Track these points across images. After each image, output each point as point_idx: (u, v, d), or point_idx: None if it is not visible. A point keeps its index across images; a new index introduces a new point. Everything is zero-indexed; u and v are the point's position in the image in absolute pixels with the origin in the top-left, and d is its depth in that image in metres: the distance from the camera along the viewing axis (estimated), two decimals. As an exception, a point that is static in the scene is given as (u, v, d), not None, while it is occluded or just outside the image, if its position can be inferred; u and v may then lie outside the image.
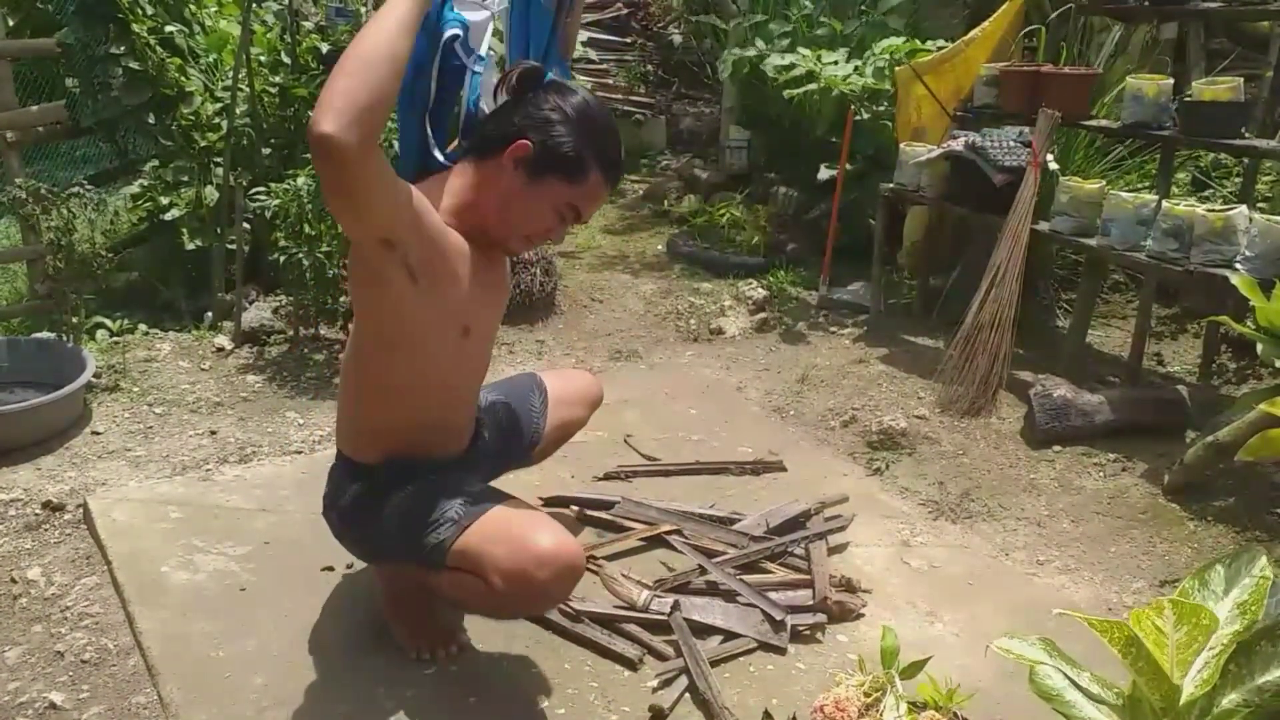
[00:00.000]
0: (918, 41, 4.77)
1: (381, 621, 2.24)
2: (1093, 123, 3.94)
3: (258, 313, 4.08)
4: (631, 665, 2.15)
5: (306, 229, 3.68)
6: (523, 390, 2.46)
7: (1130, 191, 3.69)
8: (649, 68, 8.00)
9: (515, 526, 1.90)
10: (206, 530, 2.61)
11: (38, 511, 2.77)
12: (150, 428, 3.30)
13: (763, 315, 4.51)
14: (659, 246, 5.61)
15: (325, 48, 4.38)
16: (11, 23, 4.51)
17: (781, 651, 2.22)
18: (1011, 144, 3.86)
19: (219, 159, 4.22)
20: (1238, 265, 3.16)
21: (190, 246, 4.18)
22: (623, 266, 5.27)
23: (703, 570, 2.44)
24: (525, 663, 2.16)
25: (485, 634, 2.23)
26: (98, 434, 3.23)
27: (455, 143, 2.04)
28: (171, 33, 4.26)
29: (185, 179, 4.26)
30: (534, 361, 4.00)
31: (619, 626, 2.25)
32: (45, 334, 3.68)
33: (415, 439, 2.04)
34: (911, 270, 4.75)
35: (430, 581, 2.09)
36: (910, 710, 1.78)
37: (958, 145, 3.95)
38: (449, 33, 1.89)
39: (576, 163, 1.88)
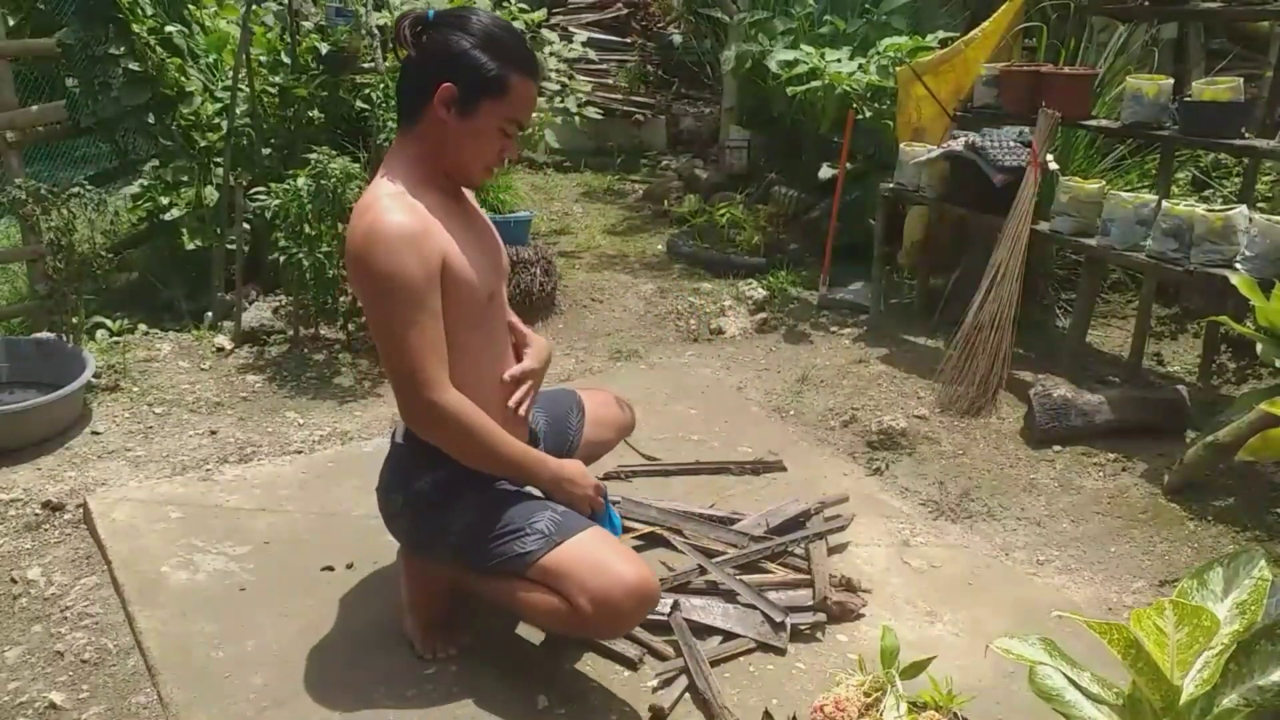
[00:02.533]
0: (920, 39, 4.77)
1: (383, 621, 2.24)
2: (1093, 123, 3.94)
3: (258, 313, 4.09)
4: (631, 665, 2.15)
5: (306, 229, 3.68)
6: (563, 407, 2.47)
7: (1130, 191, 3.69)
8: (649, 68, 8.00)
9: (604, 553, 1.95)
10: (206, 530, 2.61)
11: (38, 511, 2.77)
12: (150, 428, 3.30)
13: (763, 315, 4.51)
14: (659, 246, 5.61)
15: (325, 48, 4.38)
16: (11, 23, 4.51)
17: (781, 652, 2.22)
18: (1011, 144, 3.86)
19: (219, 159, 4.22)
20: (1238, 265, 3.16)
21: (190, 246, 4.18)
22: (623, 266, 5.27)
23: (703, 570, 2.44)
24: (525, 662, 2.16)
25: (485, 634, 2.23)
26: (98, 434, 3.23)
27: None
28: (171, 33, 4.26)
29: (185, 179, 4.26)
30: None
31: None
32: (45, 334, 3.68)
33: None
34: (911, 270, 4.75)
35: (479, 586, 2.08)
36: (910, 710, 1.78)
37: (958, 145, 3.95)
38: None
39: (499, 80, 1.91)
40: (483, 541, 1.99)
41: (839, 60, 4.88)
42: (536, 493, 2.10)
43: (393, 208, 1.89)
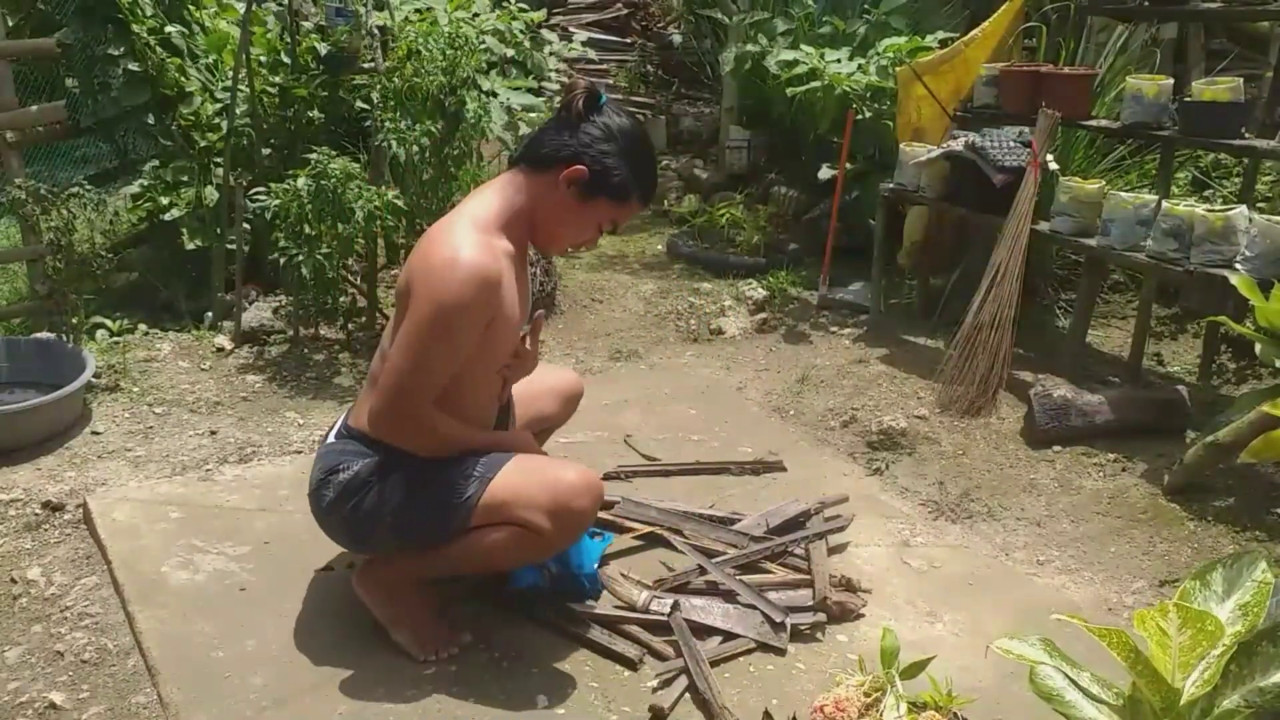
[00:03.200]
0: (920, 39, 4.77)
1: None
2: (1093, 123, 3.94)
3: (258, 313, 4.09)
4: (631, 665, 2.15)
5: (306, 229, 3.68)
6: None
7: (1130, 191, 3.69)
8: (649, 68, 8.00)
9: (538, 469, 2.06)
10: (206, 530, 2.61)
11: (38, 511, 2.77)
12: (150, 428, 3.29)
13: (763, 315, 4.51)
14: (659, 246, 5.61)
15: (325, 48, 4.38)
16: (11, 23, 4.51)
17: (781, 652, 2.22)
18: (1011, 144, 3.86)
19: (219, 159, 4.21)
20: (1237, 265, 3.16)
21: (190, 246, 4.18)
22: (623, 266, 5.27)
23: (703, 570, 2.44)
24: (525, 663, 2.16)
25: (485, 634, 2.23)
26: (98, 434, 3.23)
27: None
28: (171, 33, 4.26)
29: (185, 179, 4.26)
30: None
31: (619, 626, 2.25)
32: (45, 334, 3.68)
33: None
34: (911, 270, 4.75)
35: (437, 564, 2.13)
36: (910, 710, 1.78)
37: (958, 145, 3.95)
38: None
39: (623, 188, 2.10)
40: (417, 512, 2.04)
41: (838, 61, 4.88)
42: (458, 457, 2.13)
43: (483, 246, 1.98)
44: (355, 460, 2.09)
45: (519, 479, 2.03)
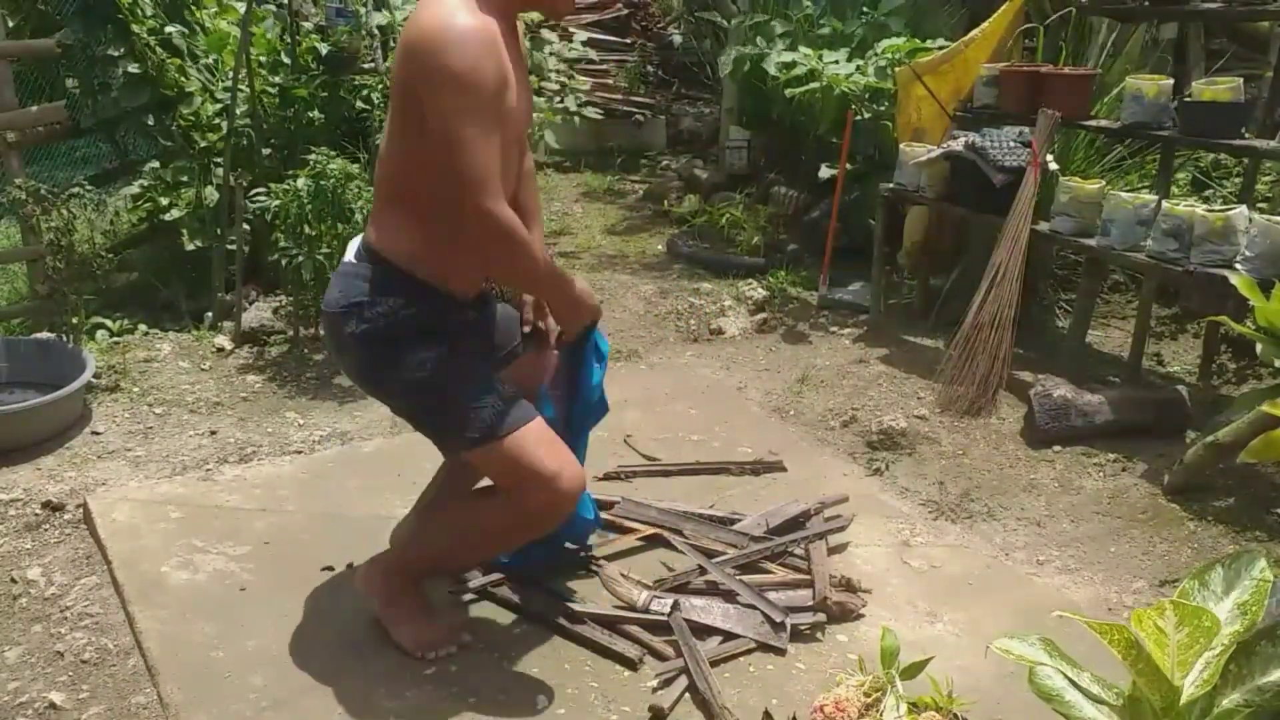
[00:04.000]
0: (919, 41, 4.77)
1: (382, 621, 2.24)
2: (1093, 123, 3.94)
3: (258, 313, 4.09)
4: (632, 665, 2.15)
5: (306, 229, 3.68)
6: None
7: (1130, 191, 3.69)
8: (649, 68, 8.00)
9: (552, 439, 2.06)
10: (206, 530, 2.61)
11: (38, 511, 2.77)
12: (150, 428, 3.30)
13: (763, 315, 4.51)
14: (659, 246, 5.61)
15: (325, 48, 4.38)
16: (11, 23, 4.51)
17: (781, 652, 2.22)
18: (1011, 144, 3.86)
19: (219, 159, 4.22)
20: (1238, 265, 3.16)
21: (190, 247, 4.19)
22: (623, 266, 5.27)
23: (703, 570, 2.43)
24: (525, 663, 2.16)
25: (485, 634, 2.23)
26: (98, 434, 3.23)
27: None
28: (171, 33, 4.26)
29: (185, 179, 4.26)
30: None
31: (619, 626, 2.25)
32: (45, 334, 3.68)
33: (449, 261, 2.05)
34: (911, 270, 4.74)
35: (432, 551, 2.18)
36: (910, 710, 1.78)
37: (958, 145, 3.95)
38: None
39: None
40: (430, 399, 2.02)
41: (837, 62, 4.88)
42: (485, 371, 2.10)
43: (464, 9, 1.86)
44: (380, 299, 2.00)
45: (520, 456, 1.99)
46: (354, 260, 2.08)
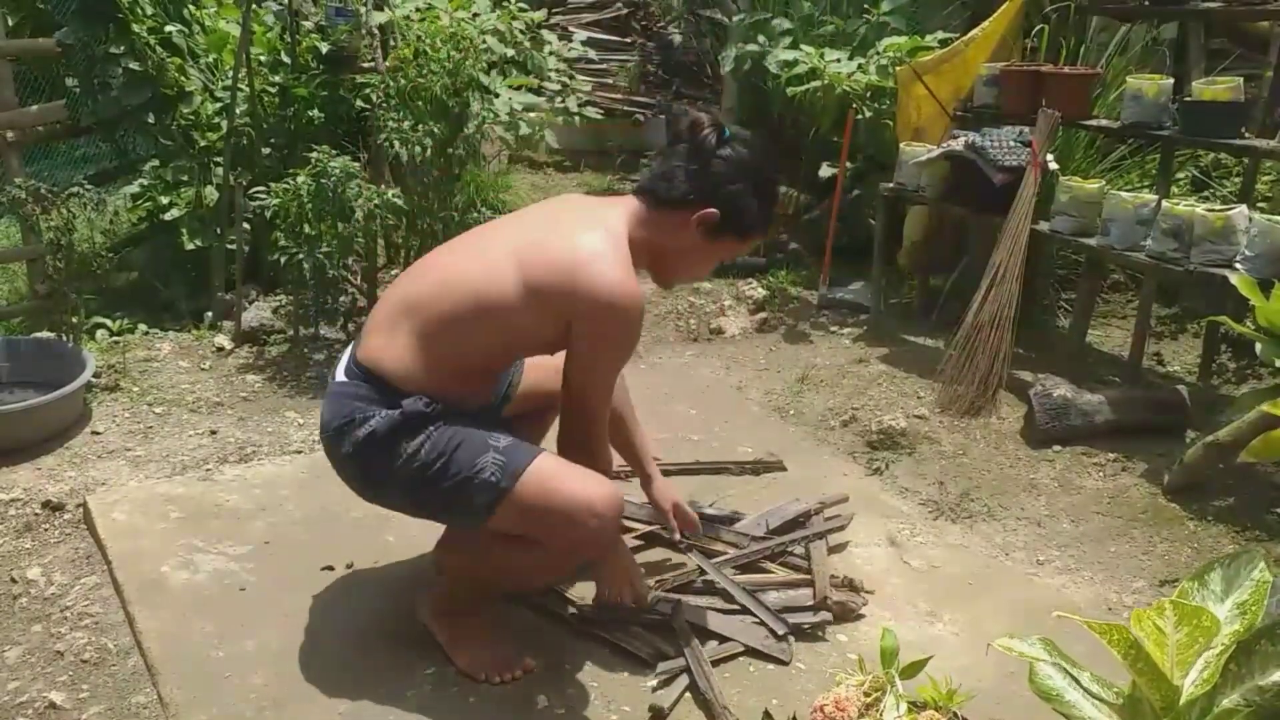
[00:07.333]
0: (920, 39, 4.76)
1: (383, 621, 2.24)
2: (1093, 123, 3.94)
3: (258, 313, 4.08)
4: (644, 664, 2.14)
5: (306, 229, 3.68)
6: None
7: (1130, 191, 3.69)
8: (649, 68, 7.99)
9: (566, 466, 2.03)
10: (206, 530, 2.61)
11: (38, 511, 2.77)
12: (150, 427, 3.29)
13: (763, 315, 4.51)
14: (659, 246, 5.60)
15: (325, 47, 4.38)
16: (11, 23, 4.51)
17: (785, 663, 2.21)
18: (1011, 144, 3.86)
19: (219, 159, 4.22)
20: (1238, 265, 3.16)
21: (190, 246, 4.18)
22: (623, 266, 5.26)
23: (703, 570, 2.43)
24: (525, 663, 2.16)
25: (485, 634, 2.23)
26: (98, 434, 3.23)
27: None
28: (171, 32, 4.26)
29: (185, 179, 4.26)
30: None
31: (621, 627, 2.25)
32: (45, 334, 3.68)
33: (467, 388, 2.05)
34: (911, 270, 4.74)
35: (483, 572, 2.13)
36: (910, 710, 1.78)
37: (958, 145, 3.95)
38: None
39: (751, 227, 2.11)
40: (430, 488, 1.97)
41: (838, 60, 4.88)
42: (479, 431, 2.04)
43: (632, 272, 1.98)
44: (372, 412, 1.97)
45: (540, 497, 1.95)
46: (345, 379, 2.05)
